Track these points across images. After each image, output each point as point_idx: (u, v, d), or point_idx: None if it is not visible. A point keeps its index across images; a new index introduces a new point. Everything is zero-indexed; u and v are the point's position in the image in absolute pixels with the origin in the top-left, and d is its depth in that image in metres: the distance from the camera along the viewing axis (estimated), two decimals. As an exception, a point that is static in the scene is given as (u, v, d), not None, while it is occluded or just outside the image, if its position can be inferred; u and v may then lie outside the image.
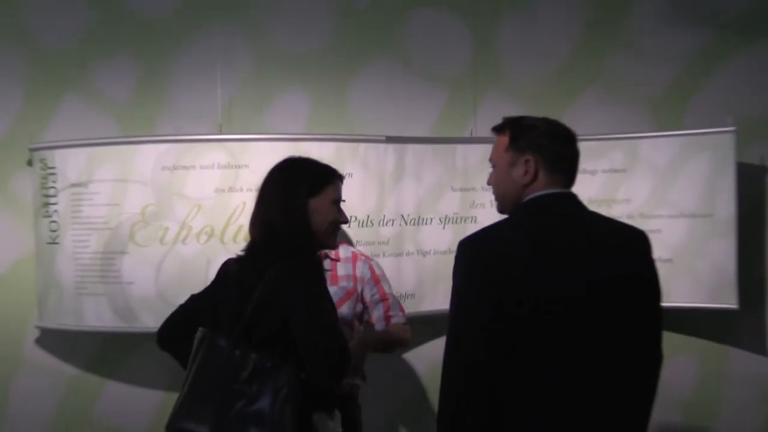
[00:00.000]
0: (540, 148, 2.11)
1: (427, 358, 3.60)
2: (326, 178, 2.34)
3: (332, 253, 2.94)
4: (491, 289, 1.95)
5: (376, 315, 2.98)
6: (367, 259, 3.01)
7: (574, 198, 2.12)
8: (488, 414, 1.93)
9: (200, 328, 2.21)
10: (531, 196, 2.11)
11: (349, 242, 3.15)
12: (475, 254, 2.02)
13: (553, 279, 1.98)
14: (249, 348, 2.10)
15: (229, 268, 2.34)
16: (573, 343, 1.99)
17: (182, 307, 2.45)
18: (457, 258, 2.03)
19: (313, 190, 2.27)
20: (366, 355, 2.80)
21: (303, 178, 2.27)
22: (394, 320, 2.98)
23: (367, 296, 2.97)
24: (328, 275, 2.92)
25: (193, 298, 2.46)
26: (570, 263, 2.00)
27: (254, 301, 2.12)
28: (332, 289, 2.90)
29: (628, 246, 2.12)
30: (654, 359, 2.13)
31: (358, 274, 2.94)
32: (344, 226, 3.18)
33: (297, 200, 2.22)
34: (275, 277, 2.11)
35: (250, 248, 2.27)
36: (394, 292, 3.04)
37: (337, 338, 2.06)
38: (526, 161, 2.12)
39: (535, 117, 2.23)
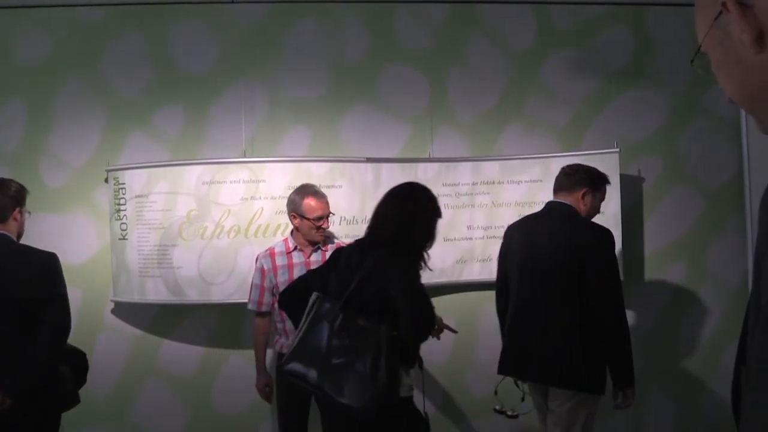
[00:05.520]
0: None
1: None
2: (437, 211, 2.31)
3: (323, 246, 2.96)
4: (501, 252, 2.89)
5: None
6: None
7: (553, 203, 2.76)
8: (503, 306, 2.82)
9: (315, 292, 2.20)
10: None
11: (335, 236, 3.13)
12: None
13: (519, 248, 2.75)
14: (351, 310, 2.09)
15: (341, 252, 2.34)
16: (527, 283, 2.69)
17: (302, 278, 2.44)
18: None
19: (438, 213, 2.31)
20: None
21: (432, 207, 2.29)
22: None
23: None
24: (320, 261, 2.96)
25: (312, 273, 2.45)
26: (528, 240, 2.72)
27: (359, 275, 2.12)
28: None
29: (571, 235, 2.62)
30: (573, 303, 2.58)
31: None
32: (334, 223, 3.21)
33: (428, 221, 2.26)
34: (377, 259, 2.12)
35: (361, 241, 2.29)
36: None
37: (431, 308, 2.11)
38: None
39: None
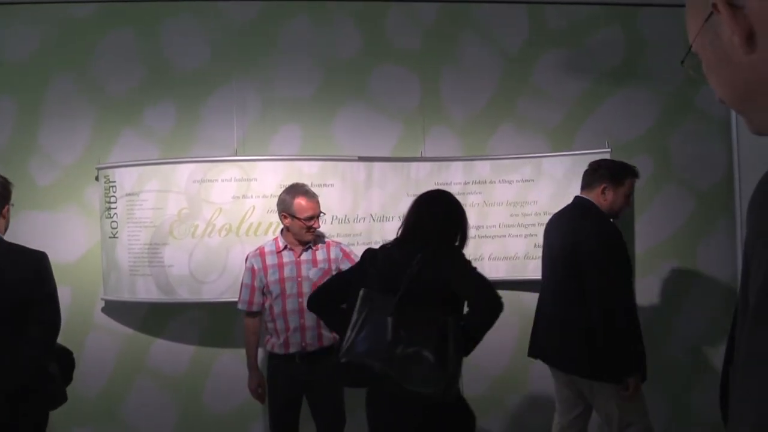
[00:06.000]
0: None
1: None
2: (463, 211, 2.42)
3: (314, 245, 2.95)
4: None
5: None
6: (338, 244, 3.04)
7: (575, 199, 2.88)
8: None
9: (363, 288, 2.21)
10: None
11: (325, 235, 3.11)
12: None
13: (544, 243, 2.97)
14: (411, 303, 2.14)
15: (376, 253, 2.39)
16: (549, 267, 2.88)
17: (331, 281, 2.48)
18: None
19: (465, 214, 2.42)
20: None
21: (459, 208, 2.39)
22: None
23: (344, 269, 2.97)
24: (310, 260, 2.94)
25: (340, 275, 2.53)
26: (548, 236, 2.94)
27: (411, 271, 2.18)
28: (313, 270, 2.92)
29: (573, 229, 2.75)
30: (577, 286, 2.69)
31: (332, 256, 2.96)
32: (326, 222, 3.20)
33: (459, 221, 2.37)
34: (425, 256, 2.20)
35: (397, 241, 2.36)
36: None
37: (497, 293, 2.20)
38: None
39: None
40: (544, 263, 2.97)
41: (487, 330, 2.22)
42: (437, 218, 2.32)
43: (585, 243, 2.66)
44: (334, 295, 2.39)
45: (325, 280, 2.60)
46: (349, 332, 2.19)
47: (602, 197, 2.80)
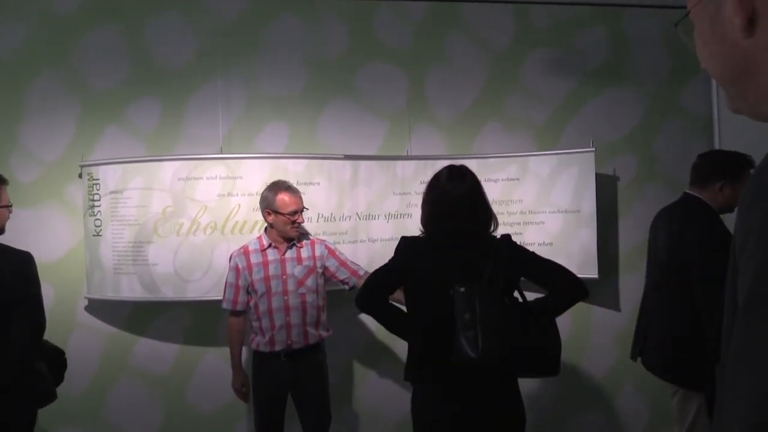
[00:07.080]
0: None
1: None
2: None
3: (298, 242, 2.93)
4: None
5: (344, 276, 2.94)
6: (322, 242, 3.02)
7: (684, 195, 2.73)
8: None
9: (462, 285, 2.06)
10: None
11: (309, 233, 3.11)
12: None
13: (652, 233, 2.88)
14: (510, 291, 2.17)
15: (420, 243, 2.22)
16: (651, 265, 2.85)
17: (375, 277, 2.25)
18: None
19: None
20: None
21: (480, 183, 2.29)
22: (360, 272, 2.94)
23: (331, 267, 2.95)
24: (295, 257, 2.92)
25: (383, 270, 2.24)
26: (652, 233, 2.87)
27: (497, 260, 2.12)
28: (298, 268, 2.90)
29: (679, 231, 2.62)
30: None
31: (317, 253, 2.94)
32: (312, 220, 3.19)
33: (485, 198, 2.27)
34: (505, 245, 2.18)
35: (446, 232, 2.17)
36: (352, 269, 3.03)
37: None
38: None
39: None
40: (648, 260, 2.89)
41: (566, 310, 2.24)
42: (481, 204, 2.21)
43: (691, 248, 2.51)
44: (383, 290, 2.22)
45: (368, 277, 2.37)
46: (470, 331, 2.03)
47: (719, 194, 2.62)
